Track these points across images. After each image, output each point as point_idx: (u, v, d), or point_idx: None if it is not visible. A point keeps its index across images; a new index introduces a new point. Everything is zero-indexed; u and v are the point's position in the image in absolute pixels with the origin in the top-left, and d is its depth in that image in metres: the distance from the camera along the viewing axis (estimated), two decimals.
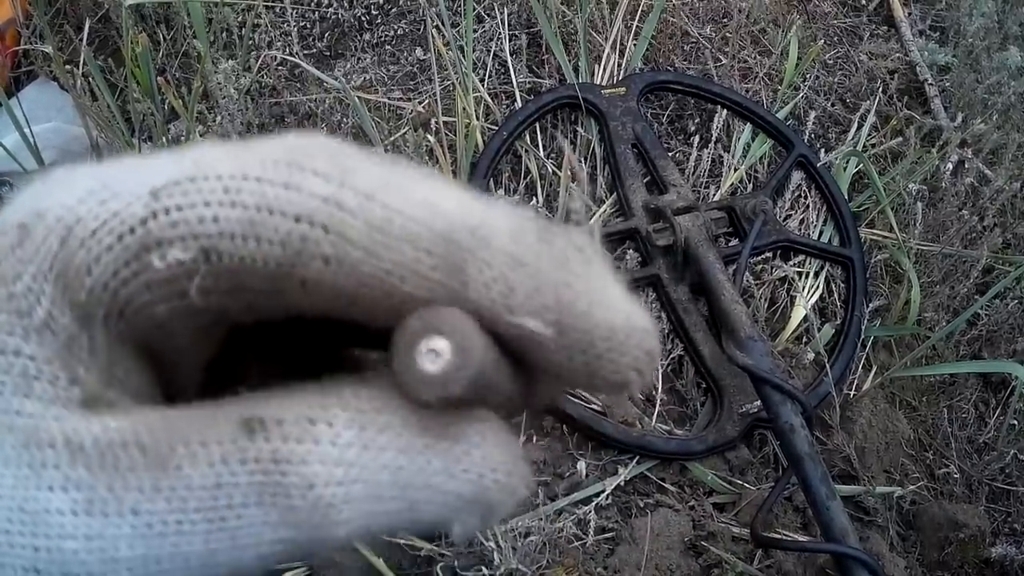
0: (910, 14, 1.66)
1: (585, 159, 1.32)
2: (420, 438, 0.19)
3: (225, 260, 0.19)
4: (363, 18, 1.37)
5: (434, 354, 0.19)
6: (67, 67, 1.27)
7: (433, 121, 1.27)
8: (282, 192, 0.18)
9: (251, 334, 0.23)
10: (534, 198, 1.28)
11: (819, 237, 1.40)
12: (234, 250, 0.19)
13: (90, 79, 1.28)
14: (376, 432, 0.19)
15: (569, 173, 1.24)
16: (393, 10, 1.38)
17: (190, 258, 0.19)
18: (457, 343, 0.19)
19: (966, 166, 1.50)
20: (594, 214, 1.30)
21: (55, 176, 0.21)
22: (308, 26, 1.37)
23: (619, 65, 1.37)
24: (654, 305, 1.27)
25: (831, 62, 1.54)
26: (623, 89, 1.33)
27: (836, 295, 1.39)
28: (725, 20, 1.49)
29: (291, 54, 1.32)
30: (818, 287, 1.37)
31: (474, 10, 1.28)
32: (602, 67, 1.36)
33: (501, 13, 1.37)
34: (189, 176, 0.19)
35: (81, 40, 1.32)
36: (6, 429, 0.19)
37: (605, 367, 0.20)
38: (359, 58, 1.35)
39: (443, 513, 0.20)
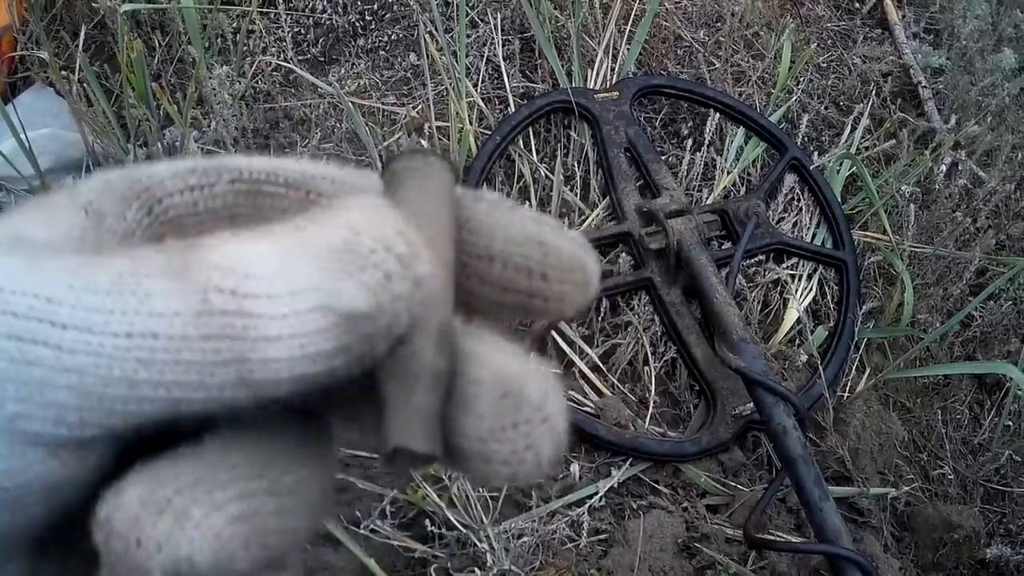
0: (904, 16, 1.69)
1: (578, 163, 1.34)
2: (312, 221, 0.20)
3: None
4: (357, 24, 1.40)
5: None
6: (63, 73, 1.29)
7: (427, 126, 1.29)
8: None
9: None
10: (527, 202, 1.30)
11: (812, 240, 1.42)
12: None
13: (86, 85, 1.30)
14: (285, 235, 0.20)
15: (562, 177, 1.27)
16: (387, 16, 1.41)
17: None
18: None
19: (959, 168, 1.52)
20: (586, 217, 1.32)
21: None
22: (302, 32, 1.40)
23: (612, 69, 1.40)
24: (647, 308, 1.30)
25: (824, 65, 1.56)
26: (616, 93, 1.36)
27: (829, 297, 1.41)
28: (718, 24, 1.52)
29: (285, 60, 1.34)
30: (811, 289, 1.39)
31: (467, 15, 1.30)
32: (595, 71, 1.38)
33: (494, 18, 1.39)
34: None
35: (77, 46, 1.34)
36: None
37: (549, 287, 0.22)
38: (353, 63, 1.38)
39: (336, 265, 0.20)
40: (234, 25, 1.34)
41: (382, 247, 0.20)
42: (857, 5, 1.70)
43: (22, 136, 1.24)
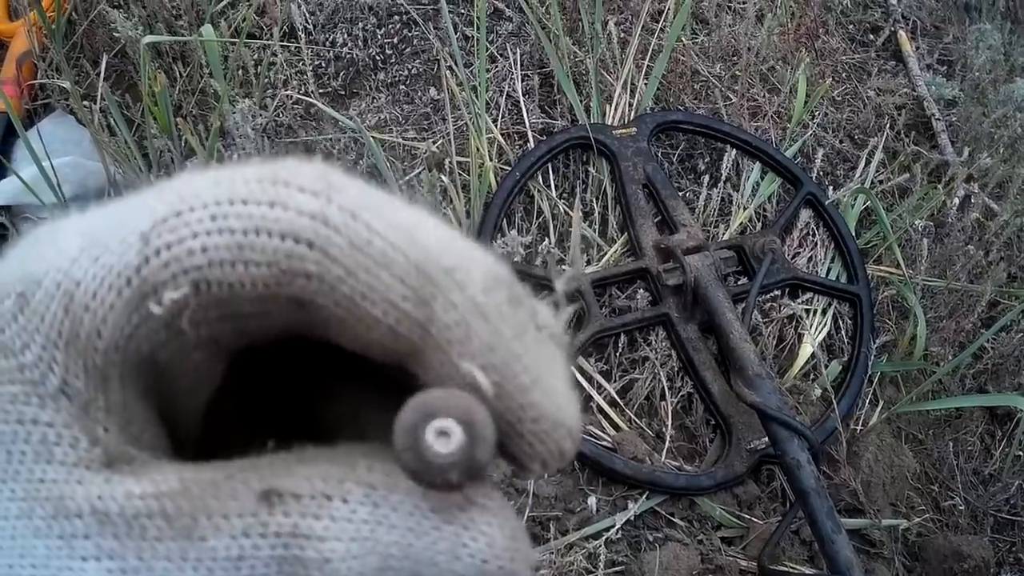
0: (917, 48, 1.78)
1: (597, 198, 1.43)
2: (429, 520, 0.21)
3: (214, 289, 0.20)
4: (377, 57, 1.48)
5: (445, 437, 0.20)
6: (85, 103, 1.37)
7: (447, 161, 1.38)
8: (268, 211, 0.20)
9: (245, 375, 0.25)
10: (546, 238, 1.39)
11: (827, 274, 1.51)
12: (223, 277, 0.20)
13: (107, 114, 1.38)
14: (389, 510, 0.20)
15: (581, 214, 1.36)
16: (407, 49, 1.49)
17: (183, 295, 0.20)
18: (468, 425, 0.20)
19: (972, 200, 1.61)
20: (604, 253, 1.41)
21: (40, 234, 0.22)
22: (323, 65, 1.49)
23: (630, 104, 1.48)
24: (664, 343, 1.39)
25: (839, 98, 1.65)
26: (634, 129, 1.45)
27: (843, 331, 1.50)
28: (735, 58, 1.61)
29: (306, 93, 1.42)
30: (826, 324, 1.48)
31: (487, 50, 1.39)
32: (613, 107, 1.47)
33: (514, 53, 1.48)
34: (175, 211, 0.20)
35: (99, 74, 1.42)
36: (33, 499, 0.20)
37: (521, 445, 0.22)
38: (374, 97, 1.46)
39: None
40: (255, 57, 1.42)
41: None
42: (871, 37, 1.80)
43: (45, 164, 1.31)
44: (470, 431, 0.20)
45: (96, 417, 0.21)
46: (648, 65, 1.51)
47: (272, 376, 0.27)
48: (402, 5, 1.51)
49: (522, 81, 1.47)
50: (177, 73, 1.45)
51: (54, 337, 0.20)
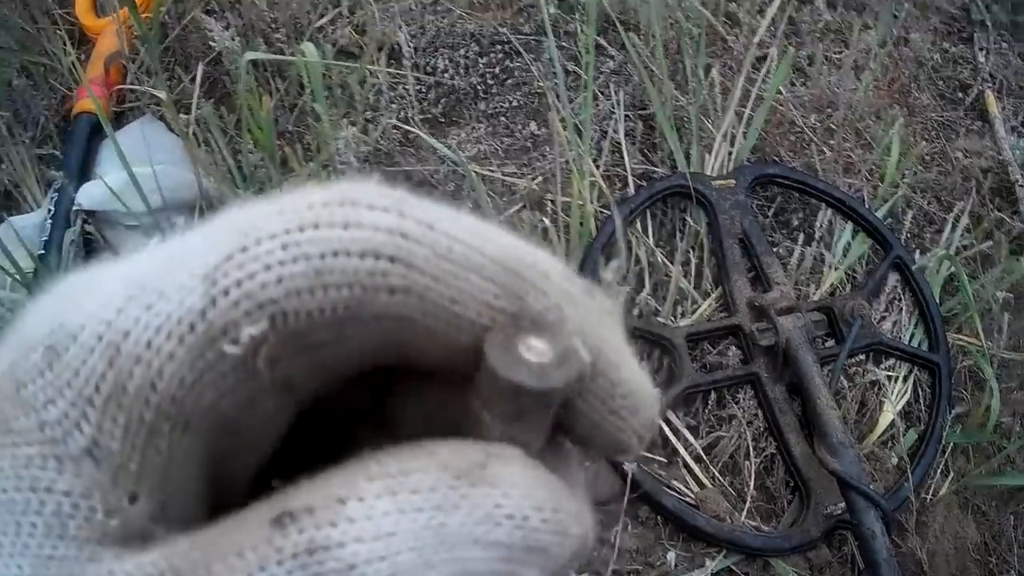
0: (1003, 108, 1.78)
1: (692, 248, 1.43)
2: (455, 489, 0.19)
3: (291, 321, 0.19)
4: (479, 86, 1.46)
5: (535, 351, 0.20)
6: (181, 115, 1.34)
7: (547, 199, 1.36)
8: (343, 233, 0.19)
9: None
10: (643, 286, 1.38)
11: (910, 340, 1.52)
12: (302, 306, 0.19)
13: (201, 124, 1.35)
14: (408, 494, 0.19)
15: (680, 267, 1.35)
16: (508, 80, 1.48)
17: (261, 331, 0.19)
18: (558, 342, 0.20)
19: None
20: (698, 306, 1.41)
21: (74, 282, 0.21)
22: (423, 90, 1.46)
23: (729, 153, 1.48)
24: (752, 402, 1.39)
25: (928, 158, 1.66)
26: (733, 181, 1.44)
27: (922, 399, 1.51)
28: (830, 110, 1.60)
29: (406, 119, 1.40)
30: (906, 392, 1.49)
31: (589, 88, 1.37)
32: (713, 156, 1.46)
33: (616, 93, 1.47)
34: (241, 246, 0.19)
35: (193, 80, 1.39)
36: None
37: (615, 422, 0.22)
38: (473, 127, 1.44)
39: (500, 570, 0.20)
40: (359, 77, 1.39)
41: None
42: (960, 95, 1.80)
43: (135, 170, 1.28)
44: (561, 348, 0.21)
45: (125, 483, 0.19)
46: (749, 114, 1.50)
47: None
48: (505, 34, 1.49)
49: (624, 122, 1.46)
50: (274, 87, 1.42)
51: (89, 392, 0.19)
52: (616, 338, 0.23)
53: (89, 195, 1.37)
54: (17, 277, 1.23)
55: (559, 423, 0.23)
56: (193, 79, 1.39)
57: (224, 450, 0.21)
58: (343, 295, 0.19)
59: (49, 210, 1.36)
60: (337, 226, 0.19)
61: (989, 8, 1.94)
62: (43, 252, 1.32)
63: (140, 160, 1.35)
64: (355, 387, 0.23)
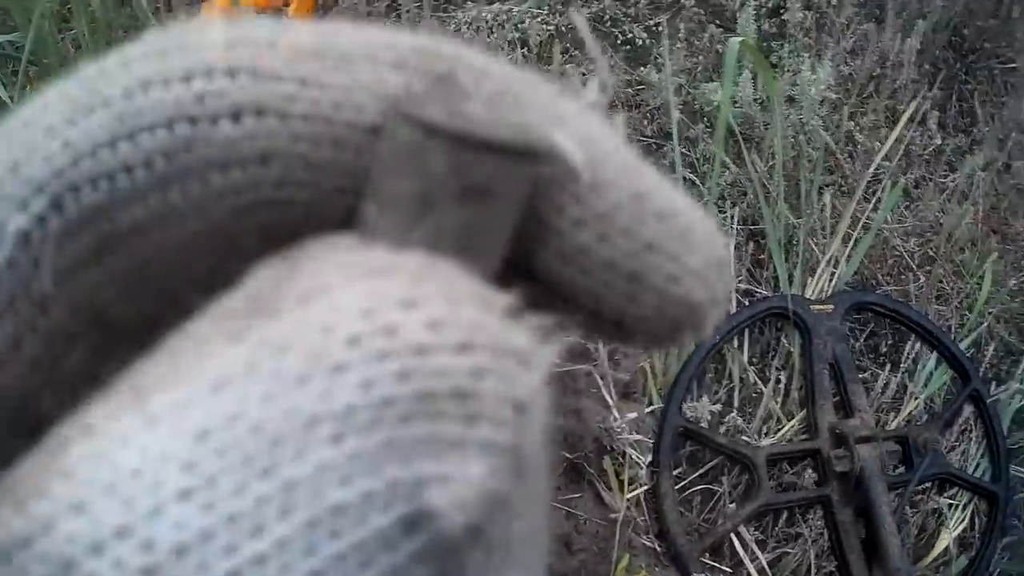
0: None
1: (782, 369, 1.48)
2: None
3: (84, 195, 0.13)
4: None
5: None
6: None
7: None
8: (159, 64, 0.14)
9: None
10: (732, 404, 1.45)
11: (975, 470, 1.59)
12: (96, 170, 0.13)
13: None
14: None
15: (771, 390, 1.41)
16: None
17: (31, 218, 0.13)
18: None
19: None
20: (783, 427, 1.47)
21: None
22: None
23: (832, 275, 1.52)
24: (819, 523, 1.47)
25: (1016, 288, 1.70)
26: (831, 307, 1.50)
27: (977, 526, 1.59)
28: (929, 235, 1.64)
29: None
30: (965, 519, 1.57)
31: (704, 199, 1.41)
32: (815, 279, 1.51)
33: (732, 208, 1.50)
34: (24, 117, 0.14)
35: None
36: None
37: (664, 265, 0.15)
38: None
39: (400, 479, 0.11)
40: None
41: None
42: None
43: None
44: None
45: None
46: (856, 239, 1.54)
47: None
48: (628, 134, 1.51)
49: (734, 236, 1.50)
50: None
51: None
52: (627, 150, 0.15)
53: None
54: None
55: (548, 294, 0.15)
56: None
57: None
58: (160, 140, 0.14)
59: None
60: (152, 57, 0.14)
61: None
62: None
63: None
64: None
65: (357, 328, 0.12)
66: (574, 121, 0.15)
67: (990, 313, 1.66)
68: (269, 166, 0.14)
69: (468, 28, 1.50)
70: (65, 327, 0.14)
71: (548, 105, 0.15)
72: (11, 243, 0.13)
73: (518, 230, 0.15)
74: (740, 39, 1.24)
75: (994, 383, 1.64)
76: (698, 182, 1.39)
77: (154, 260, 0.15)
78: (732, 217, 1.50)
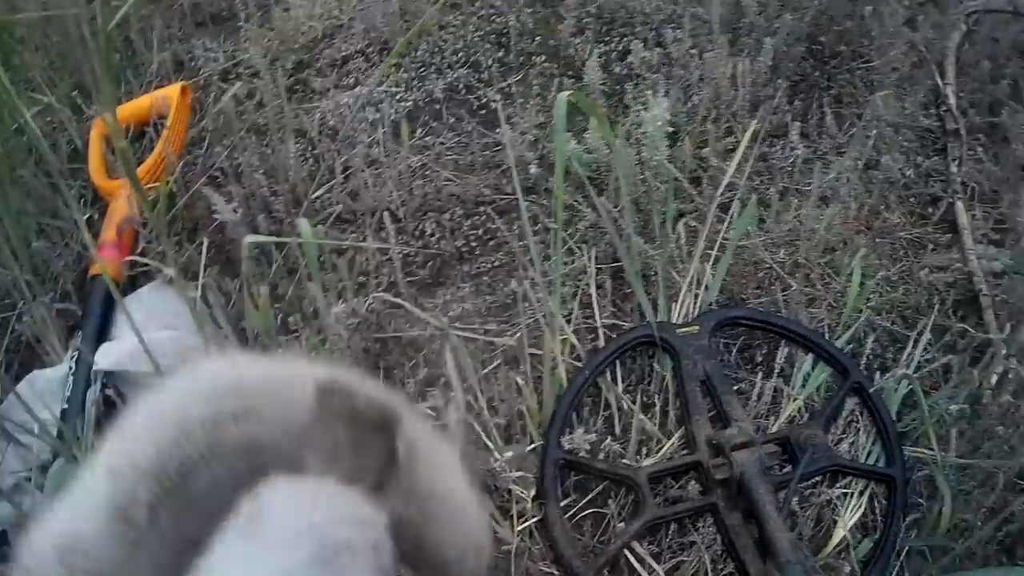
0: (974, 217, 1.88)
1: (658, 393, 1.60)
2: None
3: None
4: (463, 249, 1.62)
5: None
6: (191, 283, 1.53)
7: (523, 355, 1.53)
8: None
9: None
10: (612, 430, 1.56)
11: (867, 458, 1.68)
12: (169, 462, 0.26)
13: (208, 293, 1.54)
14: None
15: (642, 414, 1.52)
16: (491, 241, 1.63)
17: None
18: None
19: (1010, 375, 1.75)
20: (662, 446, 1.58)
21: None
22: (412, 254, 1.63)
23: (696, 296, 1.63)
24: (710, 529, 1.57)
25: (895, 278, 1.78)
26: (696, 328, 1.60)
27: (878, 510, 1.68)
28: (797, 243, 1.73)
29: (395, 284, 1.57)
30: (861, 506, 1.66)
31: (564, 245, 1.52)
32: (679, 304, 1.62)
33: (590, 250, 1.61)
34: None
35: (198, 249, 1.57)
36: None
37: (447, 536, 0.26)
38: (458, 287, 1.61)
39: None
40: (348, 257, 1.56)
41: None
42: (931, 210, 1.90)
43: (144, 335, 1.40)
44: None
45: None
46: (716, 254, 1.64)
47: None
48: (488, 195, 1.64)
49: (596, 276, 1.61)
50: (275, 256, 1.60)
51: None
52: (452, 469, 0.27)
53: (107, 356, 1.53)
54: (40, 434, 1.37)
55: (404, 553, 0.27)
56: (199, 247, 1.57)
57: None
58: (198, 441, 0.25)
59: (70, 367, 1.52)
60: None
61: (965, 113, 2.01)
62: (65, 408, 1.49)
63: (152, 322, 1.52)
64: None
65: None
66: (411, 428, 0.27)
67: (869, 307, 1.74)
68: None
69: (331, 115, 1.64)
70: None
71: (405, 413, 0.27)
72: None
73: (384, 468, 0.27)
74: (567, 92, 1.36)
75: (879, 373, 1.72)
76: (559, 231, 1.51)
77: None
78: (591, 258, 1.61)
